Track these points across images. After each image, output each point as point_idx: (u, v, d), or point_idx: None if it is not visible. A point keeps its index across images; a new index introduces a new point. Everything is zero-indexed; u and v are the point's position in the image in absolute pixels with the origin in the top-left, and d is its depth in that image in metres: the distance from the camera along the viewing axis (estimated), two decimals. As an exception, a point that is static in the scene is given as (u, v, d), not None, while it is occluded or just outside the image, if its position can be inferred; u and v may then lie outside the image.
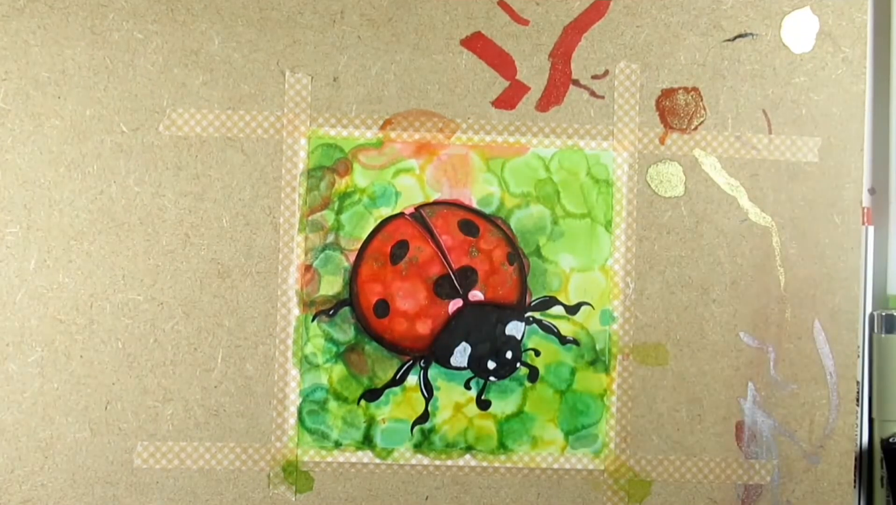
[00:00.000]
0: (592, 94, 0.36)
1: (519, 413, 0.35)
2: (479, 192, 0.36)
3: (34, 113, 0.35)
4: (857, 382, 0.36)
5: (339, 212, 0.35)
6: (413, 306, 0.35)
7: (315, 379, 0.35)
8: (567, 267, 0.36)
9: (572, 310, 0.36)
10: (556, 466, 0.35)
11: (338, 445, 0.35)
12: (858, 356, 0.36)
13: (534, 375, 0.35)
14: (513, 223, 0.36)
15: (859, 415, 0.36)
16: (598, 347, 0.35)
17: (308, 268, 0.35)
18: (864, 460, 0.36)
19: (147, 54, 0.35)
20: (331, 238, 0.35)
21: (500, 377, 0.35)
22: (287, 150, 0.35)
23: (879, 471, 0.36)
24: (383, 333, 0.35)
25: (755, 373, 0.36)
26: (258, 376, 0.35)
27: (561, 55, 0.36)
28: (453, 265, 0.35)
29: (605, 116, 0.36)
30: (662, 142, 0.36)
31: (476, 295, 0.35)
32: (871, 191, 0.38)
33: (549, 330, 0.35)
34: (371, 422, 0.35)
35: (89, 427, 0.35)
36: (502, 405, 0.35)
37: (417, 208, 0.36)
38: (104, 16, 0.35)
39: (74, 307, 0.35)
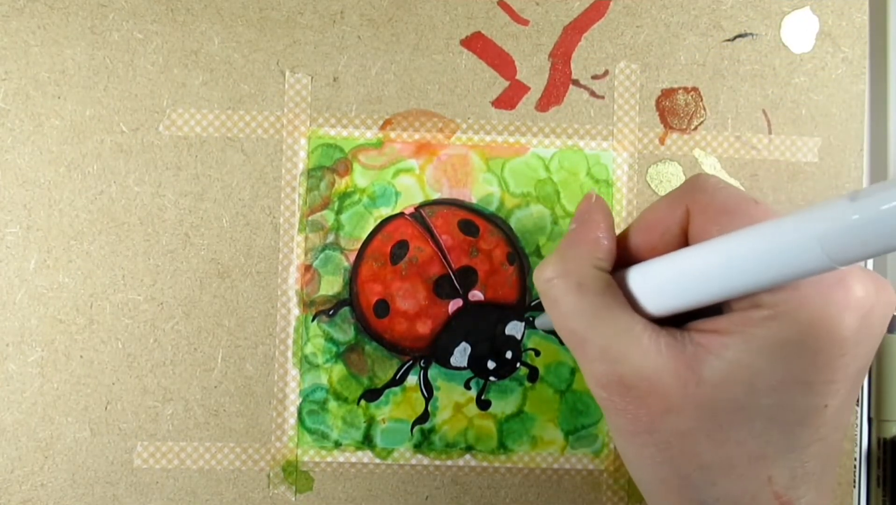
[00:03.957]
0: (592, 94, 0.36)
1: (519, 413, 0.35)
2: (479, 192, 0.36)
3: (34, 113, 0.35)
4: (857, 382, 0.36)
5: (339, 212, 0.35)
6: (413, 306, 0.35)
7: (315, 379, 0.35)
8: (567, 267, 0.36)
9: (572, 310, 0.36)
10: (556, 466, 0.35)
11: (338, 445, 0.35)
12: (858, 356, 0.36)
13: (534, 375, 0.35)
14: (513, 223, 0.36)
15: (859, 415, 0.36)
16: (598, 347, 0.35)
17: (308, 268, 0.35)
18: (864, 460, 0.36)
19: (147, 54, 0.35)
20: (331, 238, 0.35)
21: (500, 377, 0.35)
22: (287, 150, 0.35)
23: (877, 471, 0.36)
24: (383, 333, 0.35)
25: (755, 373, 0.36)
26: (258, 376, 0.35)
27: (561, 55, 0.36)
28: (453, 265, 0.35)
29: (605, 116, 0.36)
30: (662, 142, 0.36)
31: (476, 295, 0.35)
32: (871, 191, 0.38)
33: (549, 330, 0.35)
34: (371, 422, 0.35)
35: (89, 427, 0.35)
36: (502, 405, 0.35)
37: (417, 208, 0.36)
38: (104, 16, 0.35)
39: (74, 307, 0.35)
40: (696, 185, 0.25)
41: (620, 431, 0.25)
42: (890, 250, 0.19)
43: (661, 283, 0.24)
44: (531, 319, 0.35)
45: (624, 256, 0.27)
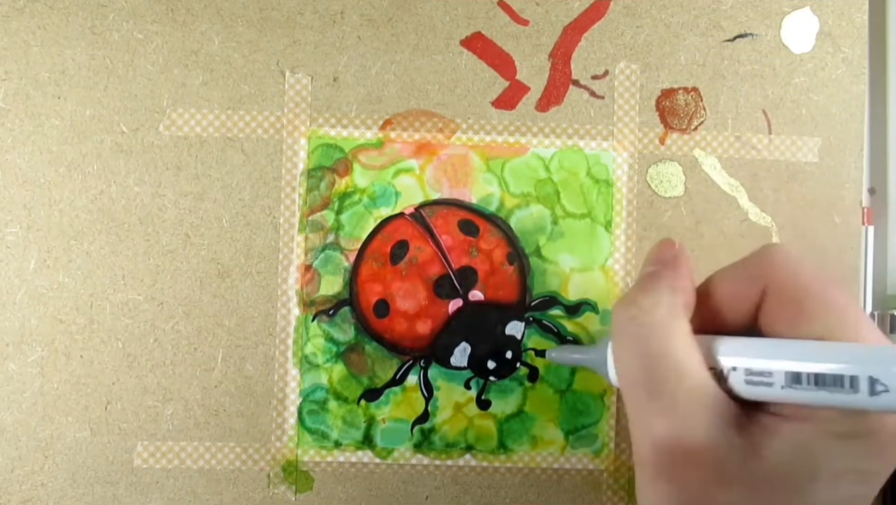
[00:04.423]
0: (592, 94, 0.36)
1: (519, 413, 0.35)
2: (479, 192, 0.36)
3: (34, 113, 0.35)
4: (857, 382, 0.36)
5: (339, 212, 0.35)
6: (413, 306, 0.35)
7: (315, 379, 0.35)
8: (567, 267, 0.36)
9: (572, 310, 0.36)
10: (556, 466, 0.35)
11: (338, 445, 0.35)
12: (858, 356, 0.36)
13: (534, 375, 0.35)
14: (513, 223, 0.36)
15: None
16: (598, 347, 0.35)
17: (308, 268, 0.35)
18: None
19: (147, 54, 0.35)
20: (331, 238, 0.35)
21: (500, 377, 0.35)
22: (287, 150, 0.35)
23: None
24: (383, 333, 0.35)
25: (755, 373, 0.36)
26: (258, 376, 0.35)
27: (561, 55, 0.36)
28: (453, 265, 0.35)
29: (605, 116, 0.36)
30: (662, 142, 0.36)
31: (476, 295, 0.35)
32: (871, 191, 0.38)
33: (549, 330, 0.35)
34: (371, 422, 0.35)
35: (89, 427, 0.35)
36: (502, 405, 0.35)
37: (417, 208, 0.36)
38: (104, 16, 0.35)
39: (74, 307, 0.35)
40: (771, 261, 0.24)
41: (662, 498, 0.24)
42: None
43: (730, 353, 0.23)
44: (531, 319, 0.35)
45: (692, 321, 0.25)
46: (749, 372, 0.23)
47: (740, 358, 0.23)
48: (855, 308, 0.23)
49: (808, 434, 0.22)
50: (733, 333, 0.25)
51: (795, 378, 0.22)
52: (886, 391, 0.20)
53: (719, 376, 0.24)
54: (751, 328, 0.25)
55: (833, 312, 0.23)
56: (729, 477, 0.23)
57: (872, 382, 0.21)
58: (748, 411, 0.23)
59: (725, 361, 0.24)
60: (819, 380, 0.22)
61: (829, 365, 0.21)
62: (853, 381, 0.21)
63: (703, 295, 0.25)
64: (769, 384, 0.23)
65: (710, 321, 0.25)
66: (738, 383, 0.23)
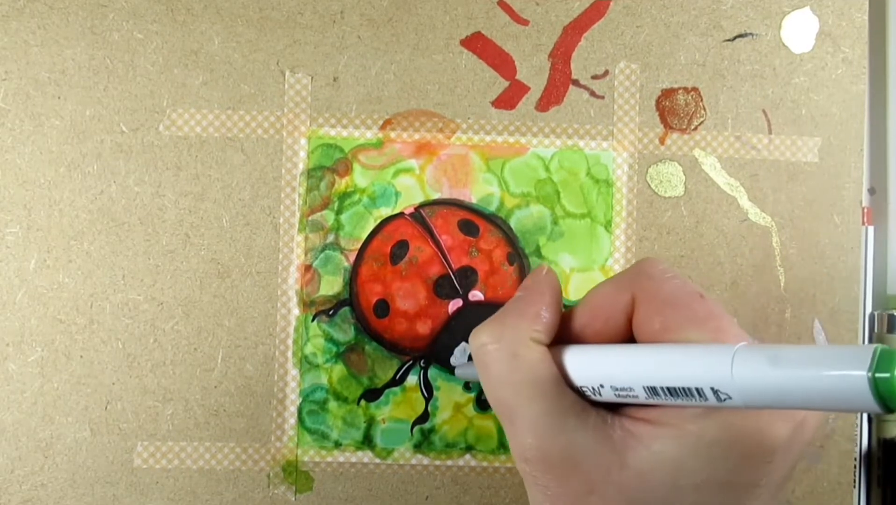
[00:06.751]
0: (592, 94, 0.36)
1: (519, 413, 0.35)
2: (479, 192, 0.36)
3: (34, 113, 0.35)
4: (857, 382, 0.36)
5: (339, 212, 0.35)
6: (413, 306, 0.35)
7: (315, 379, 0.35)
8: (567, 267, 0.36)
9: (572, 310, 0.36)
10: (556, 466, 0.35)
11: (338, 445, 0.35)
12: (858, 356, 0.36)
13: (534, 375, 0.35)
14: (513, 223, 0.36)
15: (859, 415, 0.36)
16: (598, 347, 0.35)
17: (308, 268, 0.35)
18: (863, 460, 0.36)
19: (147, 54, 0.35)
20: (331, 238, 0.35)
21: (500, 377, 0.35)
22: (287, 150, 0.35)
23: (877, 471, 0.36)
24: (383, 333, 0.35)
25: (755, 373, 0.36)
26: (258, 376, 0.35)
27: (561, 55, 0.36)
28: (453, 265, 0.35)
29: (605, 116, 0.36)
30: (662, 142, 0.36)
31: (476, 295, 0.35)
32: (871, 191, 0.38)
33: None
34: (371, 422, 0.35)
35: (89, 427, 0.35)
36: (502, 405, 0.35)
37: (417, 208, 0.36)
38: (104, 16, 0.35)
39: (74, 307, 0.35)
40: (642, 271, 0.25)
41: None
42: (801, 407, 0.20)
43: (593, 374, 0.24)
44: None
45: (568, 334, 0.26)
46: (614, 388, 0.23)
47: (603, 376, 0.24)
48: (716, 319, 0.23)
49: (669, 442, 0.23)
50: (612, 342, 0.25)
51: (653, 391, 0.22)
52: (730, 398, 0.20)
53: (591, 391, 0.24)
54: (629, 339, 0.25)
55: (693, 323, 0.23)
56: (597, 486, 0.23)
57: (715, 391, 0.21)
58: (612, 419, 0.24)
59: (591, 381, 0.24)
60: (672, 392, 0.22)
61: (675, 379, 0.22)
62: (700, 391, 0.21)
63: (583, 312, 0.26)
64: (635, 396, 0.23)
65: (590, 335, 0.25)
66: (609, 396, 0.24)
